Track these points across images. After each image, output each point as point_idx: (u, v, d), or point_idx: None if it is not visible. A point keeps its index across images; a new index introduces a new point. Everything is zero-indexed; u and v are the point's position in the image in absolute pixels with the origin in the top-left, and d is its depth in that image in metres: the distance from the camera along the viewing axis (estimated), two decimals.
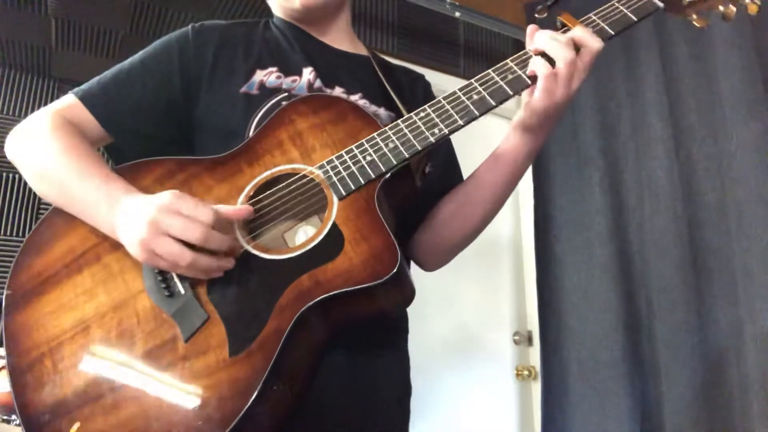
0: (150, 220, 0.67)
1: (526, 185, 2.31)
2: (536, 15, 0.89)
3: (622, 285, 1.90)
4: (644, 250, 1.85)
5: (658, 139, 1.84)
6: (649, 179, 1.85)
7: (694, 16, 0.88)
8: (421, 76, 1.12)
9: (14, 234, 1.85)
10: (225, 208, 0.72)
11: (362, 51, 1.06)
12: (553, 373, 2.01)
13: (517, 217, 2.56)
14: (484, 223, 0.95)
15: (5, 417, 1.16)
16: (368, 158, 0.78)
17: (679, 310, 1.70)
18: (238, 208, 0.74)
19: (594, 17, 0.82)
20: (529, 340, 2.42)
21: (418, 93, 1.07)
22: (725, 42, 1.70)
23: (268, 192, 0.78)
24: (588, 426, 1.86)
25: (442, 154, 1.03)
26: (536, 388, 2.24)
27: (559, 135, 2.16)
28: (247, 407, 0.62)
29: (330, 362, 0.75)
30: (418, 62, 2.33)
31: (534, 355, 2.37)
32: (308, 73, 0.94)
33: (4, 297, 0.75)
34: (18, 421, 0.87)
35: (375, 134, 0.80)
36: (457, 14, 2.43)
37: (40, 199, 1.89)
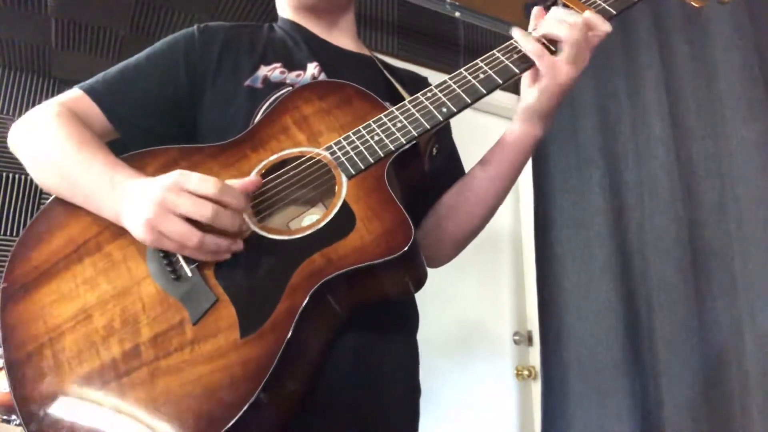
0: (156, 199, 0.66)
1: (526, 185, 2.32)
2: None
3: (622, 285, 1.90)
4: (644, 250, 1.85)
5: (658, 139, 1.84)
6: (649, 179, 1.85)
7: None
8: (425, 79, 1.12)
9: (14, 234, 1.85)
10: (234, 181, 0.71)
11: (365, 52, 1.07)
12: (553, 373, 2.01)
13: (517, 216, 2.56)
14: (489, 214, 0.95)
15: (5, 417, 1.16)
16: (376, 137, 0.78)
17: (679, 310, 1.70)
18: (248, 179, 0.73)
19: None
20: (529, 340, 2.42)
21: None
22: (725, 42, 1.70)
23: (275, 174, 0.78)
24: (588, 426, 1.86)
25: (445, 149, 1.03)
26: (536, 388, 2.25)
27: (559, 135, 2.16)
28: (260, 389, 0.61)
29: (338, 352, 0.74)
30: (418, 62, 2.33)
31: (534, 355, 2.37)
32: (313, 68, 0.94)
33: (0, 291, 0.73)
34: (18, 421, 0.86)
35: (382, 115, 0.80)
36: (457, 14, 2.43)
37: (40, 198, 1.90)
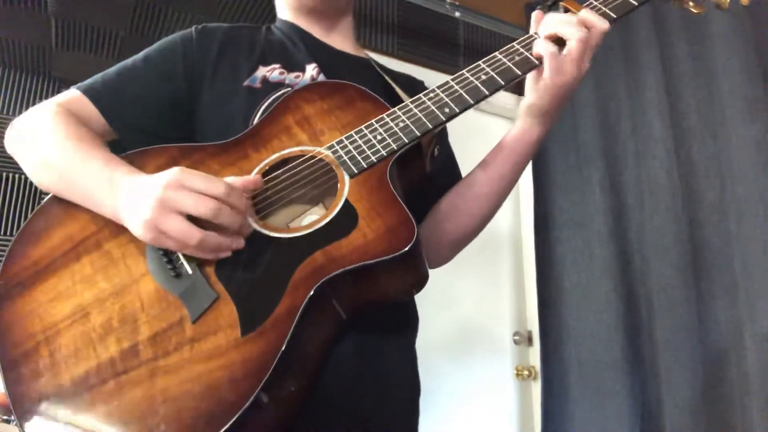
0: (157, 197, 0.65)
1: (526, 185, 2.32)
2: None
3: (622, 285, 1.90)
4: (644, 250, 1.85)
5: (658, 139, 1.84)
6: (649, 179, 1.85)
7: (691, 3, 0.90)
8: (421, 82, 1.12)
9: (13, 234, 1.85)
10: (235, 179, 0.70)
11: (363, 55, 1.07)
12: (553, 373, 2.01)
13: (517, 217, 2.56)
14: (488, 215, 0.95)
15: (5, 417, 1.16)
16: (378, 137, 0.78)
17: (679, 310, 1.70)
18: (248, 178, 0.72)
19: (595, 2, 0.84)
20: (529, 340, 2.42)
21: None
22: (725, 42, 1.70)
23: (277, 173, 0.78)
24: (588, 426, 1.86)
25: (443, 151, 1.03)
26: (536, 388, 2.24)
27: (559, 135, 2.16)
28: (260, 387, 0.60)
29: (339, 353, 0.74)
30: (418, 62, 2.33)
31: (534, 355, 2.37)
32: (311, 69, 0.94)
33: None
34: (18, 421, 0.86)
35: (384, 115, 0.80)
36: (457, 14, 2.42)
37: (39, 198, 1.89)
